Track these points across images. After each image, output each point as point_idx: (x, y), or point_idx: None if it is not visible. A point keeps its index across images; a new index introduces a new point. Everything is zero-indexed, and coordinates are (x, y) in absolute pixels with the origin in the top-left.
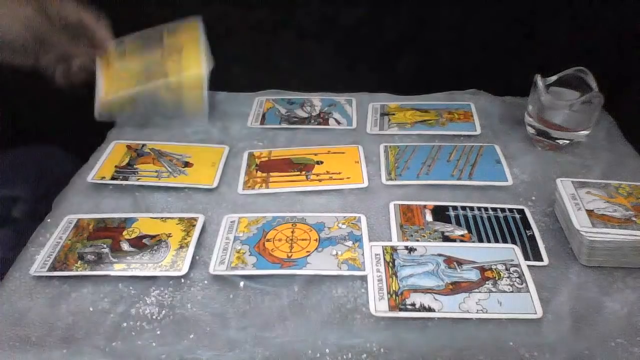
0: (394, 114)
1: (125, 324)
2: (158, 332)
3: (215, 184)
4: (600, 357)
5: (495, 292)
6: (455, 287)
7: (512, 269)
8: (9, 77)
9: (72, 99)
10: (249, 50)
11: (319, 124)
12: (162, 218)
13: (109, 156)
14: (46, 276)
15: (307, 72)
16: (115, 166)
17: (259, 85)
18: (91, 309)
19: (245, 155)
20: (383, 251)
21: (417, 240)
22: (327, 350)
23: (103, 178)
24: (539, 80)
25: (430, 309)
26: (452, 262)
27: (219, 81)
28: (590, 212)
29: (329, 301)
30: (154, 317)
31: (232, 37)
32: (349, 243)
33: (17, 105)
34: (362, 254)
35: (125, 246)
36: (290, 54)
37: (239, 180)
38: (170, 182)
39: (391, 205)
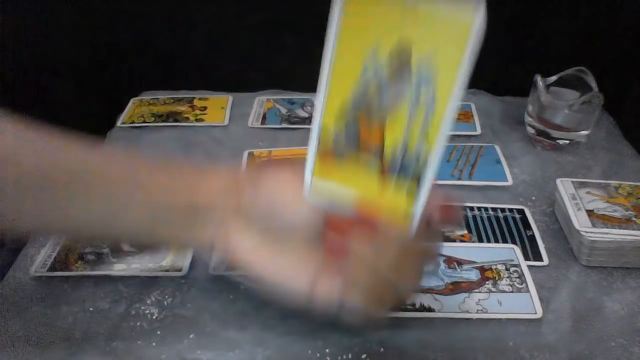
0: None
1: (125, 324)
2: (158, 333)
3: None
4: (600, 357)
5: (495, 292)
6: (456, 287)
7: (512, 269)
8: (9, 76)
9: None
10: (249, 50)
11: None
12: None
13: None
14: (46, 276)
15: (307, 72)
16: None
17: (259, 85)
18: (91, 309)
19: (245, 155)
20: None
21: None
22: (327, 351)
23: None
24: (539, 80)
25: (430, 309)
26: (452, 262)
27: (219, 81)
28: (590, 212)
29: None
30: (154, 317)
31: (232, 37)
32: None
33: (17, 105)
34: None
35: (125, 246)
36: (290, 54)
37: None
38: None
39: None
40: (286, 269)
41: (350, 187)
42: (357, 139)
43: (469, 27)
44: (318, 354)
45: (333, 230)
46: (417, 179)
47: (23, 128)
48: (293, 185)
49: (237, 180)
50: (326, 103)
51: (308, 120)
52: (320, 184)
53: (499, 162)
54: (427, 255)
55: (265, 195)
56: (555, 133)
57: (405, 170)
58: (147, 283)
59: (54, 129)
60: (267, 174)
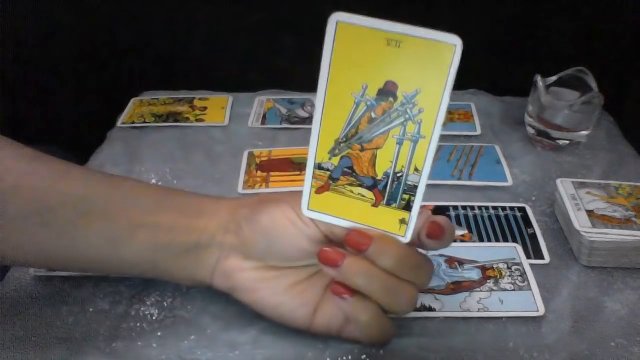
0: None
1: (125, 325)
2: (158, 333)
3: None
4: (600, 357)
5: (496, 290)
6: (457, 287)
7: (513, 267)
8: (9, 76)
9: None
10: (249, 51)
11: None
12: None
13: None
14: (46, 276)
15: (307, 72)
16: None
17: (259, 85)
18: (91, 309)
19: (245, 155)
20: None
21: None
22: (327, 352)
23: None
24: (539, 80)
25: (431, 309)
26: (453, 261)
27: (219, 81)
28: (590, 212)
29: None
30: (154, 317)
31: (232, 37)
32: None
33: (17, 105)
34: None
35: None
36: (289, 54)
37: (239, 179)
38: None
39: None
40: (285, 300)
41: (345, 217)
42: (350, 171)
43: (448, 61)
44: (318, 356)
45: (327, 261)
46: (408, 207)
47: (22, 152)
48: (290, 217)
49: (236, 214)
50: (320, 136)
51: (308, 120)
52: (315, 213)
53: (498, 162)
54: (420, 275)
55: (263, 228)
56: (555, 133)
57: (396, 198)
58: (147, 283)
59: (54, 154)
60: (265, 206)
